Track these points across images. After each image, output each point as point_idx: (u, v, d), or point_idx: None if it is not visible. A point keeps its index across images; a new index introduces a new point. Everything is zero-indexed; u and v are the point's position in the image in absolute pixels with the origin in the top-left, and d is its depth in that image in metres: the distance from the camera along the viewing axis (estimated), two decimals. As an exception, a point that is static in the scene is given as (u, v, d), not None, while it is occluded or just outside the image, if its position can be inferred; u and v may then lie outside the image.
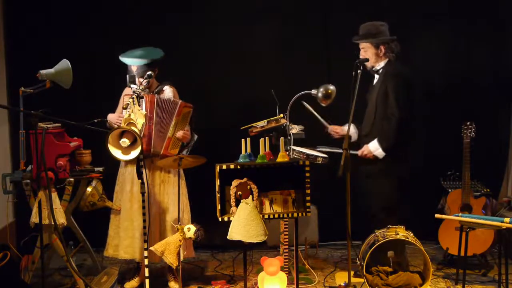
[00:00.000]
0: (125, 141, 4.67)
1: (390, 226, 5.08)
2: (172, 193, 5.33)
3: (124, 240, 5.36)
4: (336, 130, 5.63)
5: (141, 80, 5.24)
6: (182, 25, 6.59)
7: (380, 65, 5.41)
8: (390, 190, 5.33)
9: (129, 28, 6.46)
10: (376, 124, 5.36)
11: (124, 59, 5.33)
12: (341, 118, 5.51)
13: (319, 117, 5.53)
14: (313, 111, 5.47)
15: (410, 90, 5.34)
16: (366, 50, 5.40)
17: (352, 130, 5.47)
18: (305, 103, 5.41)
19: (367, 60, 5.21)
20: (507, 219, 4.92)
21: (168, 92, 5.45)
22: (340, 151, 5.13)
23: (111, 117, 5.40)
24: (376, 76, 5.45)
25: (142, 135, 5.11)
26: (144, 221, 4.97)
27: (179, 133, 5.33)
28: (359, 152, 5.40)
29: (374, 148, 5.33)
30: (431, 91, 6.39)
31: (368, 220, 5.40)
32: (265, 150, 5.00)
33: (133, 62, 5.29)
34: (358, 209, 5.30)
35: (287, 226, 5.50)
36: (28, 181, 5.11)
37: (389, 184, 5.33)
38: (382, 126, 5.30)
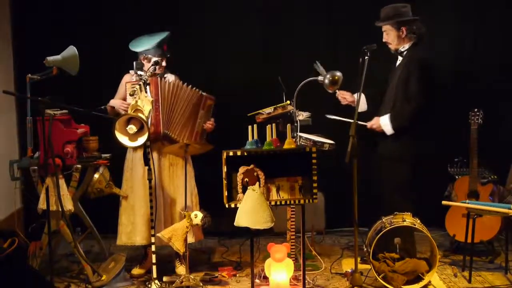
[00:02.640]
0: (132, 128, 4.68)
1: (397, 213, 5.08)
2: (182, 175, 5.33)
3: (142, 226, 5.36)
4: (344, 95, 5.56)
5: (154, 59, 5.30)
6: (192, 12, 6.58)
7: (405, 47, 5.37)
8: (404, 174, 5.32)
9: (135, 15, 6.45)
10: (396, 106, 5.32)
11: (137, 45, 5.34)
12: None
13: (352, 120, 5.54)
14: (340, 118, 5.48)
15: (432, 76, 5.31)
16: (388, 33, 5.37)
17: (362, 100, 5.48)
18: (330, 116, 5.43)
19: (374, 46, 5.17)
20: (514, 206, 4.94)
21: (169, 78, 5.46)
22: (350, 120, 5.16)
23: (115, 103, 5.40)
24: (400, 58, 5.41)
25: (149, 119, 5.14)
26: (151, 207, 5.00)
27: (207, 125, 5.46)
28: (368, 124, 5.39)
29: (384, 123, 5.31)
30: (439, 77, 6.36)
31: (376, 206, 5.39)
32: (272, 136, 4.99)
33: (147, 46, 5.32)
34: (365, 196, 5.31)
35: (294, 212, 5.50)
36: (36, 167, 5.12)
37: (404, 166, 5.32)
38: (402, 106, 5.28)
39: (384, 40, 5.39)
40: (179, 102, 5.34)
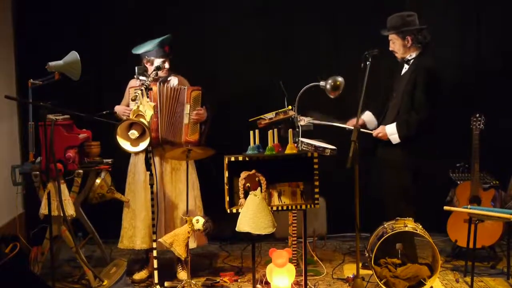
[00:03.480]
0: (134, 133, 4.68)
1: (399, 218, 5.07)
2: (185, 180, 5.32)
3: (142, 230, 5.36)
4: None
5: (158, 60, 5.31)
6: (193, 12, 6.58)
7: (412, 55, 5.36)
8: (407, 181, 5.31)
9: (139, 19, 6.45)
10: (403, 115, 5.31)
11: (139, 48, 5.34)
12: (351, 109, 5.52)
13: (330, 123, 5.49)
14: (321, 122, 5.45)
15: (438, 86, 5.31)
16: (394, 42, 5.38)
17: (371, 118, 5.46)
18: (309, 121, 5.40)
19: (376, 51, 5.17)
20: (516, 211, 4.93)
21: (173, 81, 5.46)
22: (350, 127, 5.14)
23: (118, 109, 5.42)
24: (406, 66, 5.41)
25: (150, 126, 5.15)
26: (153, 212, 5.00)
27: (192, 116, 5.37)
28: (374, 133, 5.38)
29: (390, 131, 5.29)
30: (441, 82, 6.36)
31: (379, 212, 5.38)
32: (273, 142, 4.99)
33: (149, 47, 5.32)
34: (367, 201, 5.30)
35: (295, 218, 5.49)
36: (37, 172, 5.12)
37: (409, 173, 5.31)
38: (409, 115, 5.27)
39: (390, 48, 5.41)
40: (175, 105, 5.33)
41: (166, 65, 5.40)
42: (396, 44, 5.37)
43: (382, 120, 5.50)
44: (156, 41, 5.35)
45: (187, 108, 5.35)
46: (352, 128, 5.02)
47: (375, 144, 5.48)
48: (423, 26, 5.34)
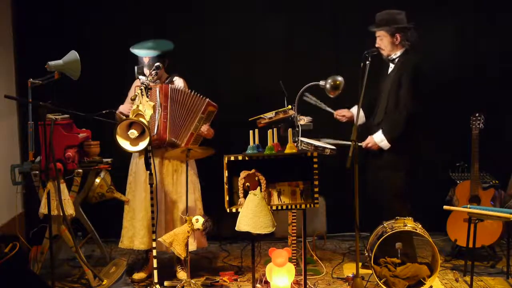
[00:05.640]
0: (133, 132, 4.68)
1: (398, 218, 5.07)
2: (185, 182, 5.32)
3: (140, 230, 5.36)
4: (342, 113, 5.61)
5: (150, 71, 5.26)
6: (193, 14, 6.58)
7: (397, 54, 5.36)
8: (400, 182, 5.31)
9: (139, 18, 6.45)
10: (389, 114, 5.32)
11: (136, 51, 5.33)
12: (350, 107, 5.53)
13: (323, 105, 5.52)
14: (316, 100, 5.45)
15: (423, 83, 5.30)
16: (382, 39, 5.35)
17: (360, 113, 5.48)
18: (308, 95, 5.40)
19: (376, 50, 5.17)
20: (515, 211, 4.93)
21: (178, 82, 5.45)
22: (345, 142, 5.12)
23: (123, 108, 5.40)
24: (391, 65, 5.40)
25: (156, 125, 5.14)
26: (152, 212, 4.99)
27: (204, 128, 5.35)
28: (363, 144, 5.37)
29: (379, 139, 5.30)
30: (440, 82, 6.36)
31: (376, 212, 5.38)
32: (273, 141, 5.00)
33: (145, 53, 5.29)
34: (366, 201, 5.30)
35: (295, 217, 5.50)
36: (37, 172, 5.12)
37: (399, 176, 5.31)
38: (393, 117, 5.27)
39: (377, 45, 5.37)
40: (186, 110, 5.31)
41: (145, 68, 5.34)
42: (384, 41, 5.35)
43: (372, 120, 5.50)
44: (141, 46, 5.34)
45: (199, 118, 5.34)
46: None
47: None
48: (411, 25, 5.33)
